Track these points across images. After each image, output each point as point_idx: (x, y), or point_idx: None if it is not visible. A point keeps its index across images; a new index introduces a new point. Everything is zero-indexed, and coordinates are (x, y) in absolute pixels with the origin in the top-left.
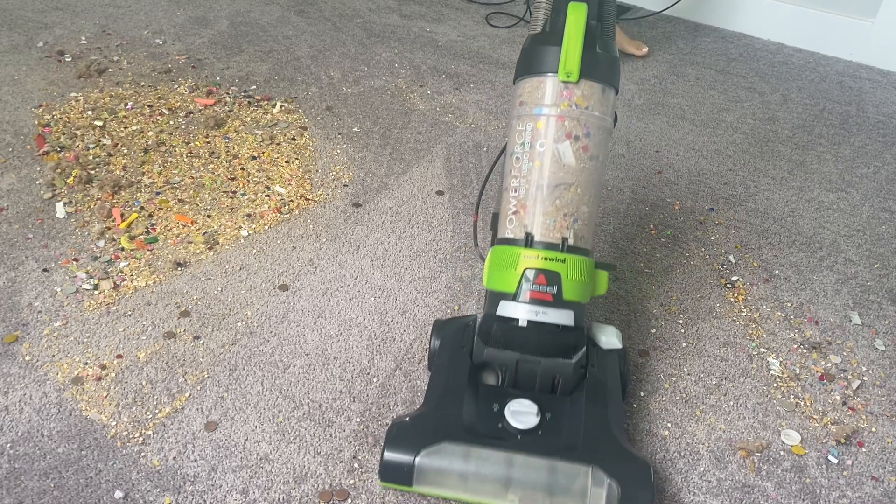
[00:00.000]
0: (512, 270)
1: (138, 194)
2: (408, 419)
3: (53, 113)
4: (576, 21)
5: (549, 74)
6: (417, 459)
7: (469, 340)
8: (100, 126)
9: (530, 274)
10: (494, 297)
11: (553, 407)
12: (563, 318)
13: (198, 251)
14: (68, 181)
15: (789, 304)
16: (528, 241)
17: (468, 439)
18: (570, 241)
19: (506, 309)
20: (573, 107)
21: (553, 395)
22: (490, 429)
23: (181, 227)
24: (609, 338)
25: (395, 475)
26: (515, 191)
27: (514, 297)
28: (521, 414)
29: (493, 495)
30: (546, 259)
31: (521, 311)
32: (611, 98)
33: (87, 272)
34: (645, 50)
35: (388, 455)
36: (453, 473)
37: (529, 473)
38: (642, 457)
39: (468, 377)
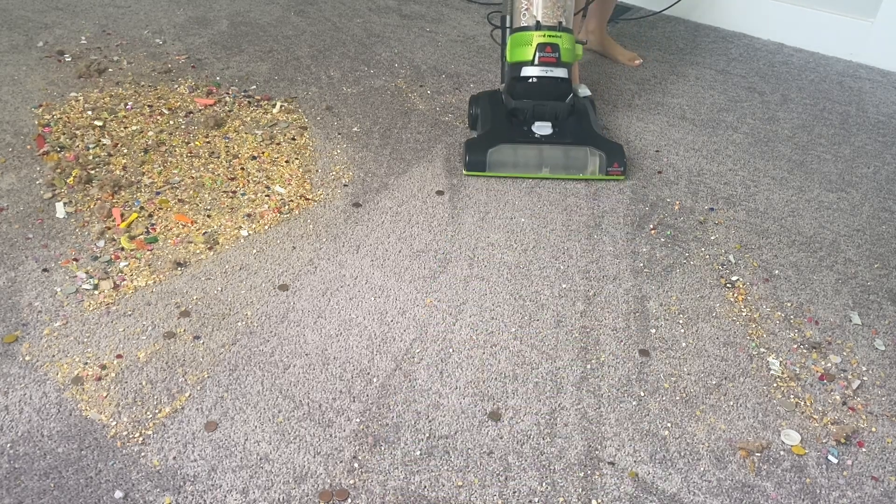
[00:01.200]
0: (528, 46)
1: (138, 194)
2: (476, 136)
3: (53, 113)
4: None
5: None
6: (488, 155)
7: (498, 100)
8: (100, 126)
9: (541, 46)
10: (514, 67)
11: (558, 124)
12: (562, 73)
13: (198, 251)
14: (68, 181)
15: (789, 304)
16: (537, 26)
17: (515, 140)
18: (564, 24)
19: (526, 70)
20: None
21: (556, 120)
22: (525, 137)
23: (181, 227)
24: (583, 90)
25: (475, 166)
26: None
27: (531, 63)
28: (542, 127)
29: (534, 170)
30: (550, 36)
31: (536, 71)
32: None
33: (87, 272)
34: (638, 62)
35: (471, 155)
36: (509, 160)
37: (553, 154)
38: (617, 141)
39: (505, 115)
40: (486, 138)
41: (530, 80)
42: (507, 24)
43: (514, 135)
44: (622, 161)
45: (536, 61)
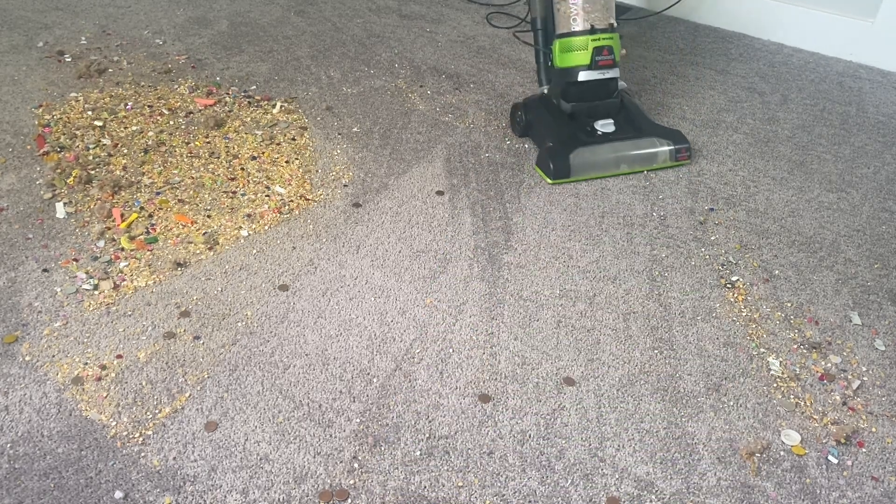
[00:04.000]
0: (583, 51)
1: (138, 194)
2: (551, 145)
3: (53, 113)
4: None
5: None
6: (571, 160)
7: (550, 104)
8: (100, 126)
9: (598, 50)
10: (567, 72)
11: (616, 120)
12: (616, 73)
13: (198, 251)
14: (68, 181)
15: (789, 304)
16: (592, 30)
17: (588, 143)
18: (615, 25)
19: (584, 74)
20: None
21: (611, 116)
22: (594, 136)
23: (181, 227)
24: (622, 83)
25: (561, 174)
26: (574, 2)
27: (588, 66)
28: (606, 125)
29: (612, 168)
30: (604, 39)
31: (595, 74)
32: None
33: (87, 272)
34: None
35: (555, 163)
36: (589, 162)
37: (626, 149)
38: (677, 129)
39: (565, 118)
40: (563, 144)
41: (587, 83)
42: (539, 27)
43: (584, 137)
44: (687, 147)
45: (595, 65)
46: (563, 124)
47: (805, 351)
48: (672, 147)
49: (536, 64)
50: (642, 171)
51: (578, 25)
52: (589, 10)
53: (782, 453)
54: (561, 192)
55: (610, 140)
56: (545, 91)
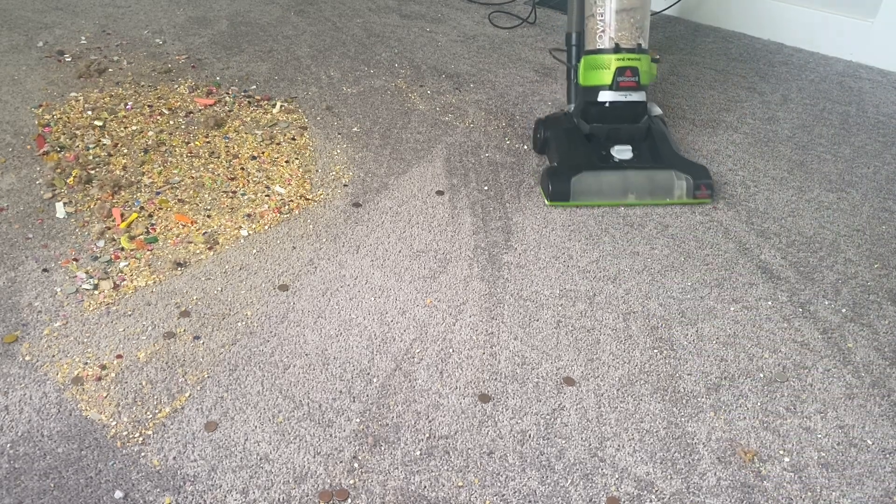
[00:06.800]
0: (606, 70)
1: (138, 194)
2: (556, 164)
3: (53, 113)
4: None
5: None
6: (572, 184)
7: (570, 120)
8: (100, 126)
9: (621, 70)
10: (589, 91)
11: (636, 147)
12: (641, 96)
13: (198, 251)
14: (68, 181)
15: (789, 304)
16: (616, 49)
17: (597, 167)
18: (643, 45)
19: (604, 95)
20: None
21: (634, 142)
22: (606, 161)
23: (181, 227)
24: (655, 109)
25: (559, 196)
26: (601, 16)
27: (609, 87)
28: (622, 151)
29: (619, 197)
30: (629, 59)
31: (615, 95)
32: None
33: (87, 272)
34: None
35: (554, 185)
36: (593, 188)
37: (638, 180)
38: (700, 163)
39: (581, 139)
40: (567, 166)
41: (607, 105)
42: (573, 42)
43: (594, 161)
44: (709, 183)
45: (616, 86)
46: (577, 145)
47: (805, 351)
48: (691, 182)
49: (567, 81)
50: (654, 205)
51: (604, 43)
52: (616, 27)
53: (781, 452)
54: None
55: (623, 167)
56: (569, 109)
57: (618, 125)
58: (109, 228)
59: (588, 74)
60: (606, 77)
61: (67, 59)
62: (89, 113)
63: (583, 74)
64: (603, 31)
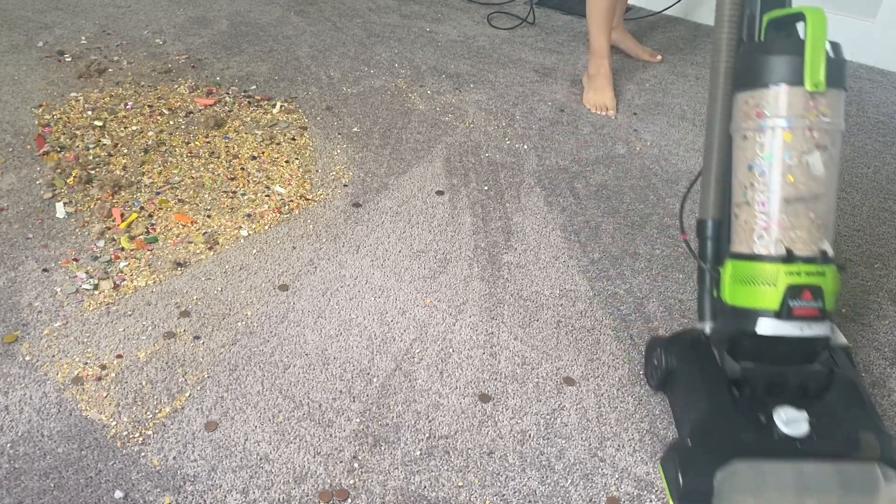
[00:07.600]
0: (771, 287)
1: (138, 194)
2: (688, 441)
3: (53, 113)
4: (818, 29)
5: (793, 86)
6: (716, 481)
7: (708, 355)
8: (100, 126)
9: (795, 290)
10: (739, 313)
11: (813, 410)
12: (826, 329)
13: (198, 251)
14: (68, 181)
15: None
16: (789, 256)
17: (755, 450)
18: (829, 253)
19: (766, 326)
20: (820, 117)
21: (807, 398)
22: (769, 440)
23: (181, 227)
24: (837, 336)
25: (695, 498)
26: (763, 205)
27: (777, 314)
28: (793, 422)
29: (790, 502)
30: (808, 274)
31: (787, 329)
32: (843, 100)
33: (87, 272)
34: (659, 57)
35: (687, 482)
36: (748, 487)
37: (822, 479)
38: None
39: (727, 391)
40: (708, 447)
41: (772, 340)
42: (710, 234)
43: (751, 438)
44: None
45: (787, 314)
46: (721, 402)
47: None
48: None
49: (698, 287)
50: None
51: (768, 246)
52: (787, 224)
53: None
54: (561, 193)
55: (794, 452)
56: (705, 332)
57: (786, 368)
58: (109, 228)
59: (739, 290)
60: (771, 299)
61: (67, 59)
62: (89, 113)
63: (730, 289)
64: (766, 228)
